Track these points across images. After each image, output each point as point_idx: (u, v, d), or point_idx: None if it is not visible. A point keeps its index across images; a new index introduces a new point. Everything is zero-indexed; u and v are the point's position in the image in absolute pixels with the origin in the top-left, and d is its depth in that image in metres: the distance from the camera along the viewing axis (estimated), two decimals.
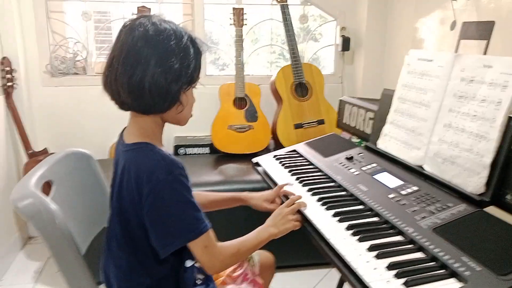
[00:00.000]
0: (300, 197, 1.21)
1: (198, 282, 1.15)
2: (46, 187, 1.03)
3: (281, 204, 1.24)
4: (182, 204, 0.95)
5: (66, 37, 2.59)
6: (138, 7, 2.44)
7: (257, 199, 1.33)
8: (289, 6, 2.53)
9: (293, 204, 1.18)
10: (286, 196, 1.29)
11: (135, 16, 0.99)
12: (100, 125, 2.64)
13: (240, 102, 2.56)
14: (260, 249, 1.39)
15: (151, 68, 0.92)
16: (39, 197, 0.90)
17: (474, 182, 1.04)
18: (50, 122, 2.60)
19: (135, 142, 1.00)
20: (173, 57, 0.93)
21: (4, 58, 2.29)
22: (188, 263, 1.08)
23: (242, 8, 2.52)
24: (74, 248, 0.94)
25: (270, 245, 1.52)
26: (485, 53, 1.88)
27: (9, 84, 2.28)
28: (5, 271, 2.21)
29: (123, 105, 0.99)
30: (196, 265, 1.11)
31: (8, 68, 2.28)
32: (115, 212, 1.02)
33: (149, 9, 2.46)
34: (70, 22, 2.60)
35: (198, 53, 0.99)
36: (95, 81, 2.60)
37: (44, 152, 2.42)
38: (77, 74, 2.61)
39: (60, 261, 0.94)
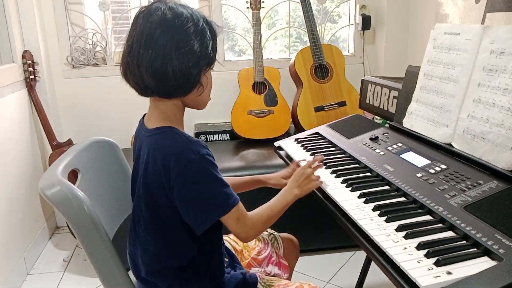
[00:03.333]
0: (322, 158, 1.22)
1: (225, 264, 1.16)
2: (72, 176, 1.04)
3: None
4: (211, 182, 0.96)
5: (85, 28, 2.60)
6: None
7: (276, 178, 1.36)
8: None
9: (314, 163, 1.20)
10: None
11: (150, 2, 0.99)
12: (122, 114, 2.67)
13: (260, 86, 2.54)
14: (282, 231, 1.40)
15: (173, 51, 0.93)
16: (67, 185, 0.91)
17: (506, 158, 1.00)
18: (73, 113, 2.64)
19: (158, 126, 1.01)
20: (192, 39, 0.94)
21: (25, 51, 2.32)
22: (218, 243, 1.10)
23: None
24: (102, 235, 0.95)
25: (294, 229, 1.53)
26: None
27: (32, 77, 2.32)
28: (35, 260, 2.27)
29: (146, 90, 0.99)
30: (226, 244, 1.12)
31: (30, 62, 2.31)
32: (141, 197, 1.03)
33: None
34: (88, 13, 2.62)
35: (214, 35, 1.01)
36: (115, 71, 2.62)
37: (69, 143, 2.46)
38: (97, 64, 2.63)
39: (88, 248, 0.95)
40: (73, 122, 2.64)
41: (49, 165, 2.38)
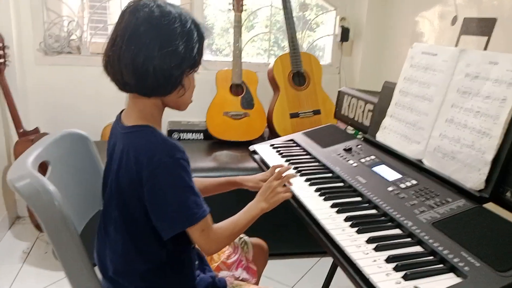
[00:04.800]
0: (289, 168, 1.21)
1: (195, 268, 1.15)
2: (40, 168, 1.01)
3: None
4: (182, 188, 0.94)
5: (61, 15, 2.53)
6: None
7: (253, 180, 1.32)
8: None
9: (280, 175, 1.18)
10: None
11: None
12: (94, 106, 2.60)
13: (237, 88, 2.54)
14: (253, 236, 1.40)
15: (156, 50, 0.91)
16: (37, 178, 0.88)
17: (474, 178, 1.05)
18: (42, 101, 2.55)
19: (135, 124, 0.99)
20: (177, 40, 0.92)
21: None
22: (188, 247, 1.08)
23: None
24: (71, 230, 0.92)
25: (263, 233, 1.53)
26: (485, 49, 1.88)
27: (1, 61, 2.23)
28: None
29: (125, 86, 0.97)
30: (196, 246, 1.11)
31: (0, 45, 2.22)
32: (113, 195, 1.00)
33: None
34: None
35: (201, 38, 0.98)
36: (89, 61, 2.56)
37: (35, 132, 2.38)
38: (71, 53, 2.56)
39: (56, 242, 0.92)
40: (42, 110, 2.56)
41: (14, 154, 2.30)
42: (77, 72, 2.55)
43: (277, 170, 1.20)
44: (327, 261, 2.10)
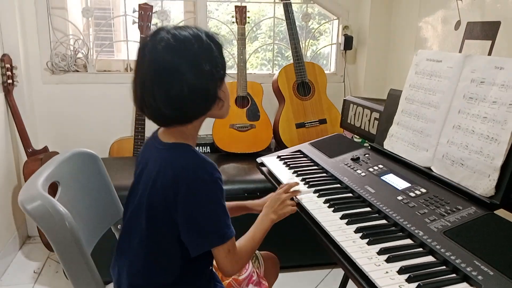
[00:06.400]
0: (297, 184, 1.23)
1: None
2: (50, 188, 1.02)
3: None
4: (217, 207, 0.98)
5: (67, 34, 2.56)
6: (139, 4, 2.42)
7: (261, 204, 1.32)
8: (292, 4, 2.51)
9: (290, 189, 1.21)
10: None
11: (147, 35, 1.00)
12: (101, 123, 2.63)
13: (242, 101, 2.55)
14: (263, 249, 1.40)
15: (186, 76, 0.93)
16: (48, 199, 0.89)
17: (484, 185, 1.04)
18: (50, 120, 2.58)
19: (175, 142, 1.01)
20: (201, 59, 0.95)
21: (4, 55, 2.27)
22: (207, 269, 1.09)
23: (245, 6, 2.50)
24: (82, 250, 0.92)
25: (274, 246, 1.52)
26: (489, 53, 1.88)
27: (10, 81, 2.26)
28: (3, 271, 2.19)
29: (166, 122, 1.01)
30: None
31: (8, 65, 2.25)
32: (143, 207, 1.01)
33: (151, 6, 2.44)
34: (71, 18, 2.58)
35: (219, 48, 1.01)
36: (96, 78, 2.59)
37: (44, 151, 2.40)
38: (77, 71, 2.59)
39: (67, 263, 0.93)
40: (50, 129, 2.58)
41: (24, 173, 2.32)
42: (84, 90, 2.58)
43: (287, 184, 1.21)
44: (339, 272, 2.08)
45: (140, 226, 1.02)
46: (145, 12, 2.43)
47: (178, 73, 0.93)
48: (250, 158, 2.37)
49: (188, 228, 0.97)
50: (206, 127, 2.56)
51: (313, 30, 2.93)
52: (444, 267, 0.88)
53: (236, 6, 2.50)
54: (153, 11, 2.47)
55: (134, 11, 2.46)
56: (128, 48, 2.65)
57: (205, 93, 0.96)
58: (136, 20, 2.44)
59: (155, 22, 2.56)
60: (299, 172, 1.43)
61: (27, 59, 2.46)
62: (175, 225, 0.97)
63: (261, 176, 1.58)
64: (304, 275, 2.23)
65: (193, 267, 1.04)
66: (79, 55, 2.59)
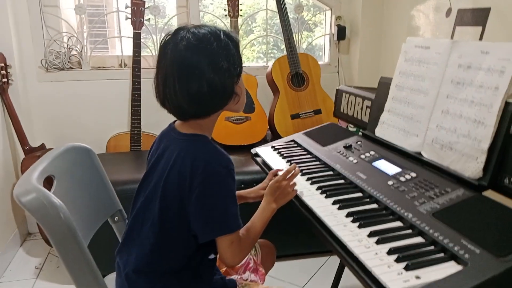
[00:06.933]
0: (295, 167, 1.24)
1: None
2: (46, 183, 1.03)
3: None
4: (229, 198, 1.02)
5: (61, 32, 2.57)
6: (132, 0, 2.43)
7: (254, 191, 1.37)
8: None
9: (288, 174, 1.21)
10: None
11: (169, 33, 1.04)
12: (97, 119, 2.64)
13: None
14: (260, 238, 1.42)
15: (206, 74, 0.98)
16: (43, 191, 0.90)
17: (472, 167, 1.05)
18: (46, 118, 2.59)
19: (193, 133, 1.06)
20: (219, 57, 1.00)
21: None
22: (211, 256, 1.12)
23: None
24: (78, 242, 0.94)
25: (270, 235, 1.54)
26: (480, 39, 1.89)
27: (4, 80, 2.27)
28: (5, 267, 2.21)
29: (186, 116, 1.06)
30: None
31: (2, 64, 2.26)
32: (157, 193, 1.04)
33: (144, 1, 2.45)
34: (64, 16, 2.59)
35: (236, 45, 1.05)
36: (90, 75, 2.60)
37: (41, 148, 2.42)
38: (72, 68, 2.60)
39: (64, 255, 0.94)
40: (46, 126, 2.60)
41: (21, 170, 2.33)
42: (79, 87, 2.59)
43: (286, 169, 1.23)
44: (336, 260, 2.11)
45: (152, 212, 1.05)
46: (137, 8, 2.44)
47: (199, 71, 0.98)
48: (246, 150, 2.38)
49: (199, 216, 1.00)
50: None
51: (307, 21, 2.94)
52: (432, 247, 0.90)
53: None
54: (146, 6, 2.47)
55: (126, 7, 2.47)
56: (122, 44, 2.66)
57: (223, 89, 1.01)
58: (129, 15, 2.45)
59: (148, 17, 2.56)
60: (292, 161, 1.45)
61: (22, 58, 2.47)
62: (186, 213, 1.01)
63: (258, 168, 1.60)
64: (302, 262, 2.26)
65: (198, 256, 1.07)
66: (73, 52, 2.60)
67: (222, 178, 1.00)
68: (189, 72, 0.98)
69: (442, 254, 0.87)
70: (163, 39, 1.04)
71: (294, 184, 1.22)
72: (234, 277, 1.27)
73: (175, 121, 1.12)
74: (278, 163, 1.46)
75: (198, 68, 0.98)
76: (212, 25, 1.05)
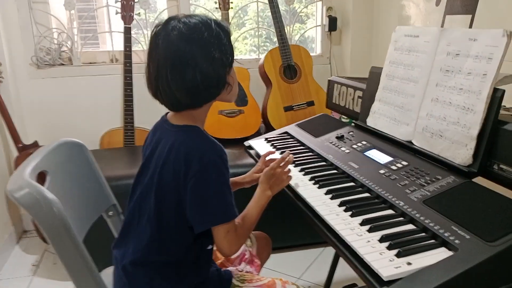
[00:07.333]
0: (288, 154, 1.24)
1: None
2: (39, 178, 1.03)
3: None
4: (223, 187, 1.02)
5: (50, 28, 2.55)
6: None
7: (249, 176, 1.38)
8: None
9: (282, 161, 1.21)
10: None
11: (159, 23, 1.04)
12: (89, 115, 2.63)
13: None
14: (256, 229, 1.42)
15: (199, 63, 0.98)
16: (36, 187, 0.90)
17: (462, 154, 1.07)
18: (39, 115, 2.58)
19: (186, 124, 1.06)
20: (212, 47, 1.00)
21: None
22: (209, 251, 1.12)
23: None
24: (73, 237, 0.94)
25: (266, 227, 1.55)
26: (470, 27, 1.90)
27: None
28: (2, 265, 2.21)
29: (179, 107, 1.05)
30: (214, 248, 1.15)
31: None
32: (153, 185, 1.05)
33: None
34: (53, 12, 2.56)
35: (227, 35, 1.05)
36: (82, 71, 2.58)
37: (35, 145, 2.41)
38: (63, 64, 2.59)
39: (59, 250, 0.94)
40: (39, 123, 2.59)
41: (15, 168, 2.32)
42: (70, 83, 2.58)
43: (281, 157, 1.23)
44: (331, 251, 2.13)
45: (149, 204, 1.06)
46: (127, 2, 2.43)
47: (192, 61, 0.97)
48: (240, 143, 2.38)
49: (195, 205, 1.01)
50: None
51: (299, 13, 2.93)
52: (423, 234, 0.91)
53: None
54: (136, 1, 2.46)
55: (116, 1, 2.45)
56: (112, 39, 2.64)
57: (216, 79, 1.01)
58: (119, 10, 2.44)
59: (138, 11, 2.55)
60: (286, 151, 1.45)
61: (12, 55, 2.45)
62: (183, 204, 1.01)
63: (252, 161, 1.61)
64: (298, 254, 2.28)
65: (196, 248, 1.08)
66: (64, 48, 2.58)
67: (217, 168, 1.00)
68: (182, 62, 0.97)
69: (433, 241, 0.88)
70: (153, 30, 1.03)
71: (289, 170, 1.22)
72: (229, 268, 1.28)
73: (167, 113, 1.12)
74: (272, 155, 1.46)
75: (191, 58, 0.97)
76: (203, 15, 1.04)
